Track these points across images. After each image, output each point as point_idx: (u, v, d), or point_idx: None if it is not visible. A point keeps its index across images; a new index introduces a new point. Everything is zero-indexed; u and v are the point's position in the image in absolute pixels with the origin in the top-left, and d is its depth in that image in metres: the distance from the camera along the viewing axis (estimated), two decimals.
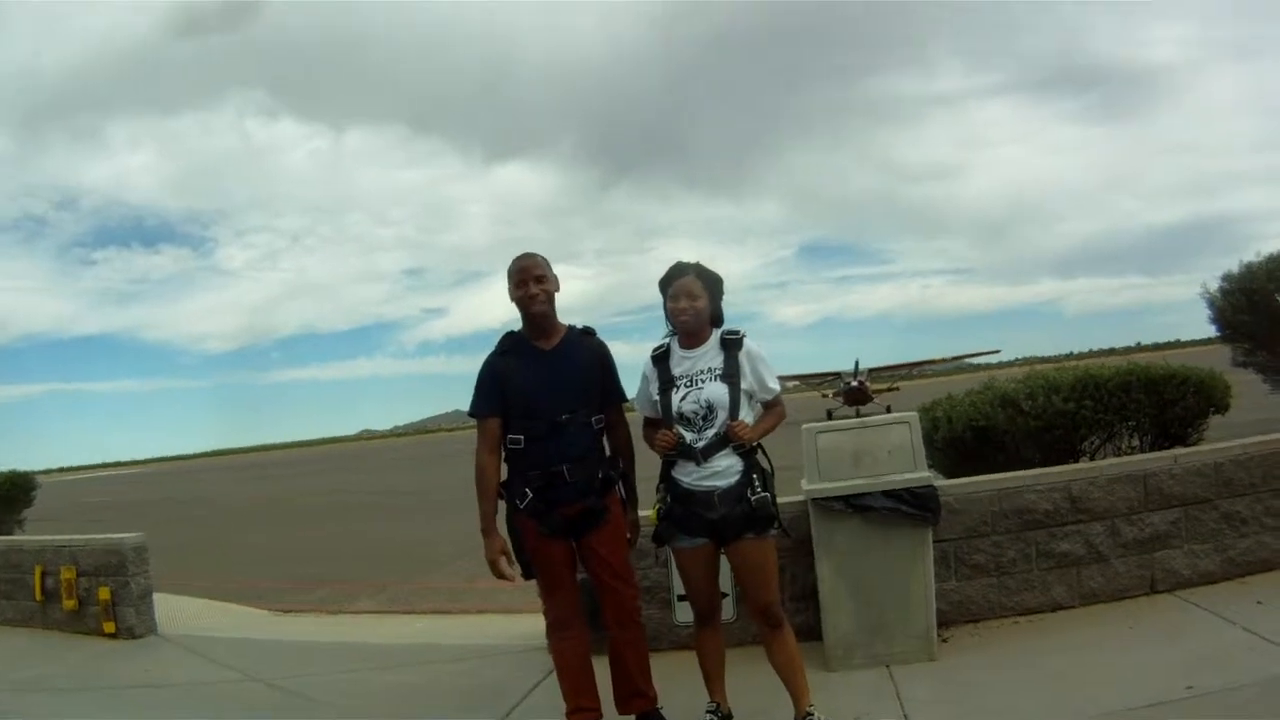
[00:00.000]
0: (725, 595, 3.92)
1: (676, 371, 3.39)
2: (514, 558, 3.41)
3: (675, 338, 3.47)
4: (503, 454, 3.46)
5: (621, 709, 3.54)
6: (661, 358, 3.45)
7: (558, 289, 3.52)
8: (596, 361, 3.54)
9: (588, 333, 3.60)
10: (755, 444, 3.35)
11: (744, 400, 3.34)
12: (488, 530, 3.37)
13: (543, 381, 3.41)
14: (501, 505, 3.45)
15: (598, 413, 3.50)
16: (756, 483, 3.29)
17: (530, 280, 3.42)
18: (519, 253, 3.49)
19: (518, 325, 3.56)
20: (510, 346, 3.50)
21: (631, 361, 3.63)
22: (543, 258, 3.50)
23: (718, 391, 3.31)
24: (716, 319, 3.47)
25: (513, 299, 3.46)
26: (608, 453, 3.56)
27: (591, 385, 3.49)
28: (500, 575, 3.38)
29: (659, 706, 3.55)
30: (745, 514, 3.27)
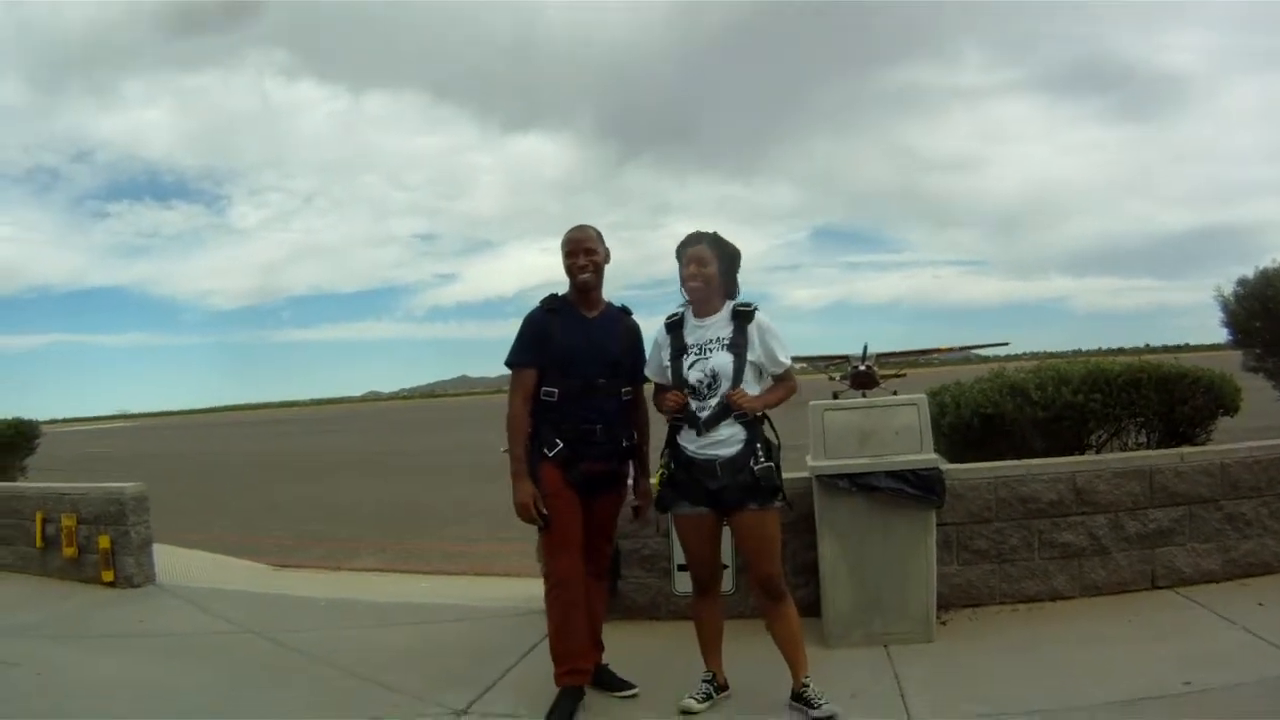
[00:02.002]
0: (726, 567, 3.93)
1: (689, 340, 3.41)
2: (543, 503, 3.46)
3: (689, 307, 3.47)
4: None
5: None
6: (675, 325, 3.47)
7: (608, 261, 3.67)
8: (631, 338, 3.70)
9: (626, 311, 3.77)
10: (760, 414, 3.34)
11: (750, 372, 3.34)
12: (519, 474, 3.46)
13: (584, 344, 3.54)
14: None
15: (626, 385, 3.62)
16: (760, 453, 3.29)
17: (580, 252, 3.57)
18: (572, 225, 3.64)
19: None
20: (556, 306, 3.62)
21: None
22: (595, 230, 3.65)
23: (723, 360, 3.31)
24: (731, 291, 3.47)
25: (564, 267, 3.61)
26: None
27: (624, 358, 3.62)
28: (530, 519, 3.46)
29: (606, 663, 3.77)
30: (747, 484, 3.27)
